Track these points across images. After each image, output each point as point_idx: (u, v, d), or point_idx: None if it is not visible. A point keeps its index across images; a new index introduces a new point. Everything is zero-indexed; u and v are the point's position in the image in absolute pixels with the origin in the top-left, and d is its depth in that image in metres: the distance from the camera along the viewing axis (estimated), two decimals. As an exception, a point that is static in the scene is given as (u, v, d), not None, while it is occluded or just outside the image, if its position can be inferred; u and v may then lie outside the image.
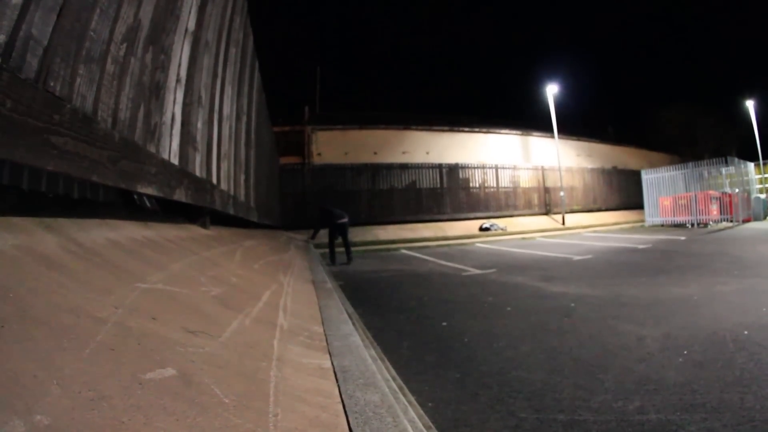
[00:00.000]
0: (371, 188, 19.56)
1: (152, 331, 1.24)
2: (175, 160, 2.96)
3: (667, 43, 56.38)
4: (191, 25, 3.30)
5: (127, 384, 0.99)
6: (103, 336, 1.13)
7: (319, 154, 21.17)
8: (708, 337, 3.40)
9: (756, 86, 36.25)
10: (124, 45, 2.30)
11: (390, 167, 20.32)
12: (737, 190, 18.05)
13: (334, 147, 21.28)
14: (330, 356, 1.78)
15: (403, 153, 22.43)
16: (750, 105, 28.34)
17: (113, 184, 2.11)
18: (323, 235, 10.69)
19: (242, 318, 1.75)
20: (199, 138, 3.62)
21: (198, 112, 3.62)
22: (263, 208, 9.82)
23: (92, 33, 1.99)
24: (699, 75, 45.71)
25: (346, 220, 10.14)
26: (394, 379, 2.72)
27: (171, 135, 2.91)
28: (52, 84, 1.74)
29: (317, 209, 11.00)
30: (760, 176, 23.55)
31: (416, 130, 23.54)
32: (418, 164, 21.05)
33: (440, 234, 17.83)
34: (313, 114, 23.59)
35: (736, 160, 18.73)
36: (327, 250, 10.28)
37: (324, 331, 2.32)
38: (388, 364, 3.06)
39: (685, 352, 3.06)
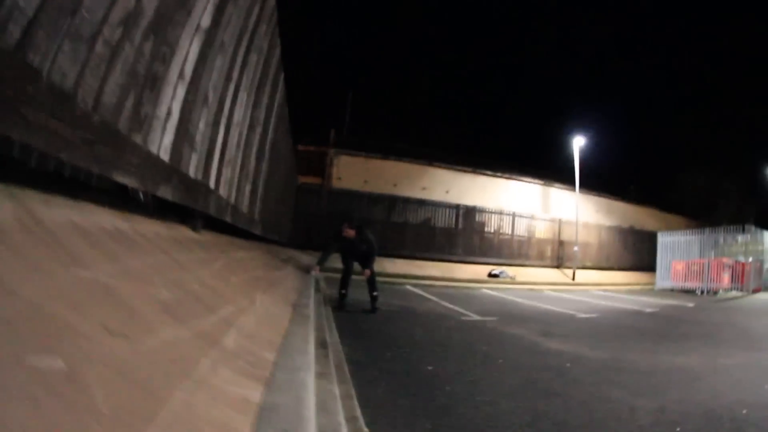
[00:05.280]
0: (386, 219, 19.50)
1: (64, 319, 1.09)
2: (164, 156, 2.85)
3: (694, 106, 56.69)
4: (205, 22, 3.22)
5: (2, 361, 0.86)
6: (4, 310, 1.00)
7: (339, 178, 21.26)
8: (704, 414, 3.21)
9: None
10: (120, 29, 2.21)
11: (407, 201, 20.30)
12: (751, 259, 17.80)
13: (355, 173, 21.36)
14: (265, 389, 1.58)
15: (423, 189, 22.43)
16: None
17: (85, 166, 1.99)
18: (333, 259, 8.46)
19: (180, 329, 1.57)
20: (198, 138, 3.52)
21: (201, 111, 3.52)
22: (271, 224, 9.73)
23: (84, 11, 1.90)
24: (724, 141, 45.59)
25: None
26: (354, 420, 2.53)
27: (164, 129, 2.80)
28: (31, 56, 1.65)
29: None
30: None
31: (438, 167, 23.60)
32: (435, 202, 21.04)
33: (448, 275, 17.62)
34: (339, 137, 23.79)
35: (753, 228, 18.48)
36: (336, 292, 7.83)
37: (275, 359, 2.11)
38: (355, 402, 2.89)
39: (678, 430, 2.85)
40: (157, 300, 1.70)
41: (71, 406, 0.83)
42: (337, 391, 2.76)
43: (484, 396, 3.44)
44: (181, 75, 3.00)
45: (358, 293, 7.94)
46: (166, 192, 2.88)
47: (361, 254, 7.80)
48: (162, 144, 2.80)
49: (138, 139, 2.47)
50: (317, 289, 7.80)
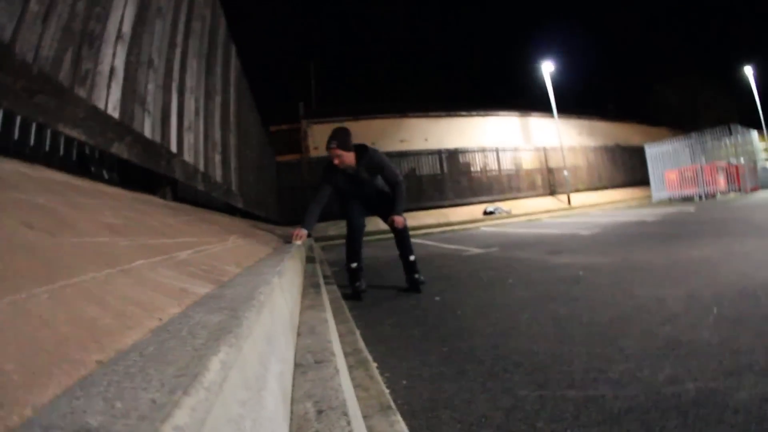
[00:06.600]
0: (370, 179, 19.45)
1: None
2: (114, 113, 2.87)
3: (663, 13, 56.14)
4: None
5: None
6: None
7: (315, 148, 21.16)
8: (738, 293, 3.17)
9: (755, 50, 36.16)
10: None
11: (388, 155, 20.13)
12: (743, 160, 17.97)
13: (331, 140, 21.20)
14: (216, 287, 1.49)
15: (401, 141, 22.41)
16: (749, 71, 28.15)
17: (28, 116, 2.05)
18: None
19: (120, 239, 1.53)
20: (150, 100, 3.52)
21: (148, 74, 3.52)
22: (253, 199, 9.75)
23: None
24: (697, 44, 45.39)
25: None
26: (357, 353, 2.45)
27: (109, 87, 2.81)
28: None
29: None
30: (765, 145, 23.26)
31: (413, 117, 23.49)
32: (416, 151, 21.08)
33: (443, 220, 17.79)
34: (309, 109, 23.59)
35: (739, 128, 18.58)
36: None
37: (239, 272, 1.98)
38: (357, 337, 2.82)
39: (715, 310, 2.80)
40: (102, 222, 1.67)
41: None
42: (328, 317, 2.60)
43: (500, 313, 3.39)
44: (119, 35, 3.00)
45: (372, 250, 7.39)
46: (120, 150, 2.91)
47: (375, 194, 4.68)
48: (109, 100, 2.82)
49: (82, 92, 2.49)
50: (312, 261, 6.07)
